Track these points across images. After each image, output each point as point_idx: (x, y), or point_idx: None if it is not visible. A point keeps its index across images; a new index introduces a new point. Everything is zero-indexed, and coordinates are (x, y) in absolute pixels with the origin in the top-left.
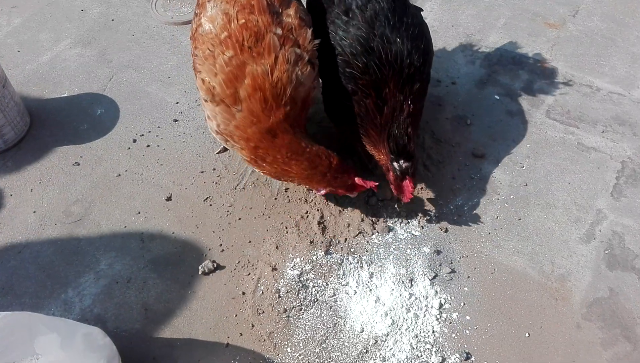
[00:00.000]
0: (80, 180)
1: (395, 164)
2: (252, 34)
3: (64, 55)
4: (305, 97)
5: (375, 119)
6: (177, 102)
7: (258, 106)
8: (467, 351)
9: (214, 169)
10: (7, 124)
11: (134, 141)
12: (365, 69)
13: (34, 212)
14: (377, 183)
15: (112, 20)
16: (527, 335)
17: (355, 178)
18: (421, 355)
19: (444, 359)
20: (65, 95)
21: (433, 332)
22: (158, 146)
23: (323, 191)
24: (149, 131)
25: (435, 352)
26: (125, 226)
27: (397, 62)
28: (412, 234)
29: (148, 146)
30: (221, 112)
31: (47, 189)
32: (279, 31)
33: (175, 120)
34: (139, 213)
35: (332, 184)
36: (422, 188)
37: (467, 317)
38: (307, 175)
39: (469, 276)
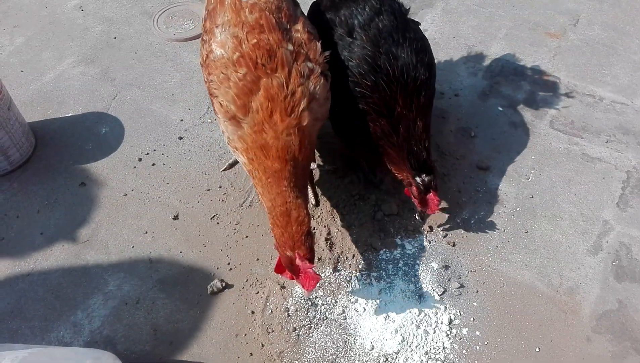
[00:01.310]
0: (87, 201)
1: (418, 179)
2: (265, 52)
3: (67, 74)
4: (317, 117)
5: (392, 138)
6: (182, 120)
7: (266, 115)
8: None
9: (220, 187)
10: (13, 146)
11: (140, 159)
12: (375, 87)
13: (41, 234)
14: (318, 278)
15: (114, 38)
16: (537, 349)
17: (299, 258)
18: None
19: None
20: (69, 114)
21: (443, 348)
22: (164, 164)
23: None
24: (154, 150)
25: None
26: (133, 247)
27: (404, 77)
28: (420, 249)
29: (154, 164)
30: (231, 125)
31: (54, 210)
32: (290, 47)
33: (180, 138)
34: (147, 232)
35: (276, 237)
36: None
37: (477, 332)
38: (267, 208)
39: (477, 291)
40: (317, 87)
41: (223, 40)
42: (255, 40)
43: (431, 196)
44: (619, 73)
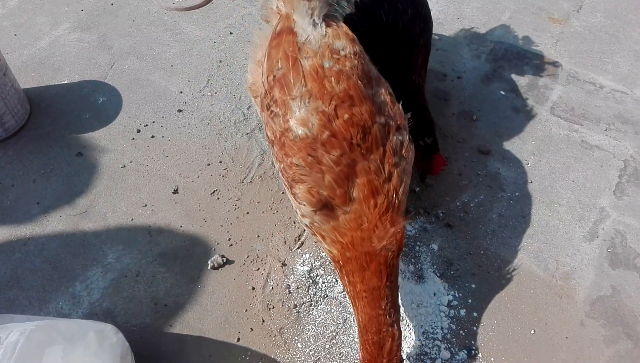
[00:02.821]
0: (84, 171)
1: (420, 143)
2: (360, 130)
3: (62, 40)
4: (406, 194)
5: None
6: (181, 92)
7: (375, 213)
8: (474, 347)
9: (220, 162)
10: (8, 112)
11: (138, 131)
12: (368, 34)
13: (38, 203)
14: None
15: (112, 4)
16: (532, 332)
17: None
18: (430, 352)
19: (452, 355)
20: (65, 82)
21: (441, 328)
22: (163, 137)
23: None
24: (153, 122)
25: (443, 348)
26: (132, 219)
27: (398, 27)
28: (420, 231)
29: (152, 136)
30: (321, 214)
31: (51, 180)
32: (382, 119)
33: (180, 110)
34: (146, 205)
35: (362, 360)
36: (428, 185)
37: (474, 314)
38: (359, 325)
39: (475, 274)
40: (410, 160)
41: (304, 116)
42: (347, 116)
43: (436, 157)
44: (619, 62)
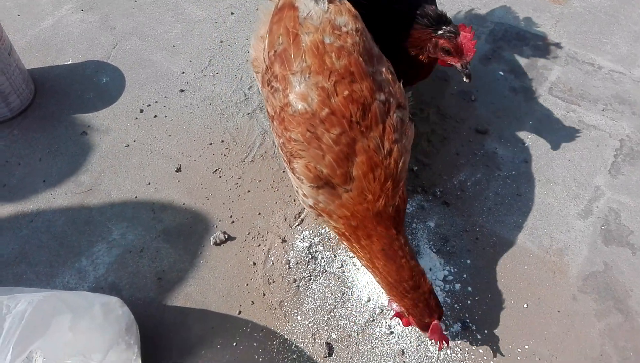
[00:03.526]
0: (89, 150)
1: (440, 32)
2: (359, 107)
3: (65, 20)
4: (405, 168)
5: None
6: (183, 72)
7: (376, 185)
8: (468, 320)
9: (222, 141)
10: (13, 92)
11: (141, 111)
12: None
13: (44, 181)
14: (449, 342)
15: None
16: (525, 305)
17: (435, 321)
18: None
19: (446, 328)
20: (69, 62)
21: None
22: (165, 116)
23: (396, 307)
24: (156, 101)
25: None
26: (136, 197)
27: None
28: (418, 208)
29: (155, 116)
30: (324, 193)
31: (56, 158)
32: (382, 97)
33: (182, 90)
34: (149, 183)
35: (408, 308)
36: (426, 164)
37: (469, 288)
38: (388, 282)
39: (470, 250)
40: (410, 138)
41: (304, 91)
42: (347, 93)
43: (462, 37)
44: (618, 42)
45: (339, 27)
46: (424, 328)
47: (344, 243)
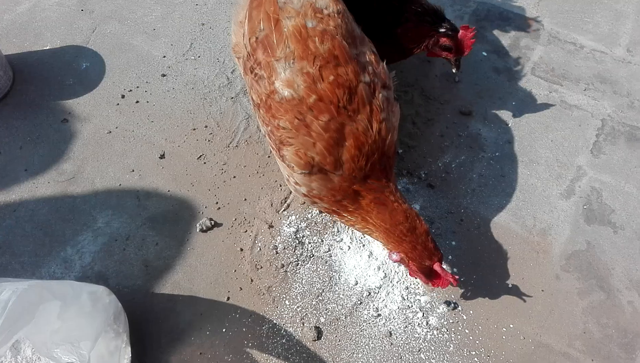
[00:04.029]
0: (70, 137)
1: (441, 30)
2: (346, 91)
3: (42, 4)
4: (395, 141)
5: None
6: (164, 56)
7: (363, 160)
8: (454, 301)
9: (205, 127)
10: None
11: (123, 96)
12: None
13: (26, 170)
14: (457, 278)
15: None
16: (509, 285)
17: (436, 263)
18: (412, 306)
19: (433, 308)
20: (47, 47)
21: (422, 283)
22: (147, 102)
23: (395, 257)
24: (137, 87)
25: (424, 302)
26: (120, 184)
27: None
28: (403, 191)
29: (137, 101)
30: (317, 180)
31: (37, 146)
32: (367, 78)
33: (164, 75)
34: (133, 170)
35: (408, 253)
36: (411, 146)
37: (454, 269)
38: (385, 229)
39: (455, 232)
40: (396, 115)
41: (289, 77)
42: (332, 78)
43: (462, 35)
44: (600, 21)
45: (320, 10)
46: (427, 273)
47: (335, 218)
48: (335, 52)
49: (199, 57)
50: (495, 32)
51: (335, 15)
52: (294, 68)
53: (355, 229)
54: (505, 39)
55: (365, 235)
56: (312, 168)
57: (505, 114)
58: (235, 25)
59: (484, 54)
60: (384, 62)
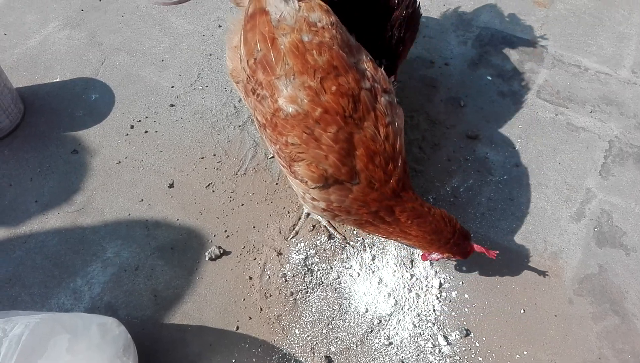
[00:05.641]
0: (80, 168)
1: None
2: (350, 100)
3: (52, 38)
4: (403, 144)
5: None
6: (173, 86)
7: (379, 171)
8: (466, 328)
9: (214, 155)
10: (2, 112)
11: (132, 127)
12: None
13: (36, 202)
14: (497, 252)
15: (100, 0)
16: (522, 311)
17: (475, 245)
18: (423, 333)
19: (445, 336)
20: (57, 80)
21: (434, 310)
22: (156, 132)
23: (437, 257)
24: (146, 117)
25: (436, 329)
26: (129, 214)
27: None
28: None
29: (146, 132)
30: (335, 191)
31: (47, 178)
32: (368, 84)
33: (172, 105)
34: (142, 200)
35: (452, 251)
36: (418, 171)
37: (466, 295)
38: (429, 240)
39: None
40: (401, 117)
41: (292, 93)
42: (335, 88)
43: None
44: (604, 43)
45: (314, 23)
46: (467, 254)
47: (369, 230)
48: (334, 63)
49: (206, 86)
50: (499, 56)
51: (330, 26)
52: (296, 83)
53: (391, 239)
54: (510, 63)
55: (374, 261)
56: (327, 181)
57: (512, 138)
58: (230, 50)
59: (489, 78)
60: (382, 68)
